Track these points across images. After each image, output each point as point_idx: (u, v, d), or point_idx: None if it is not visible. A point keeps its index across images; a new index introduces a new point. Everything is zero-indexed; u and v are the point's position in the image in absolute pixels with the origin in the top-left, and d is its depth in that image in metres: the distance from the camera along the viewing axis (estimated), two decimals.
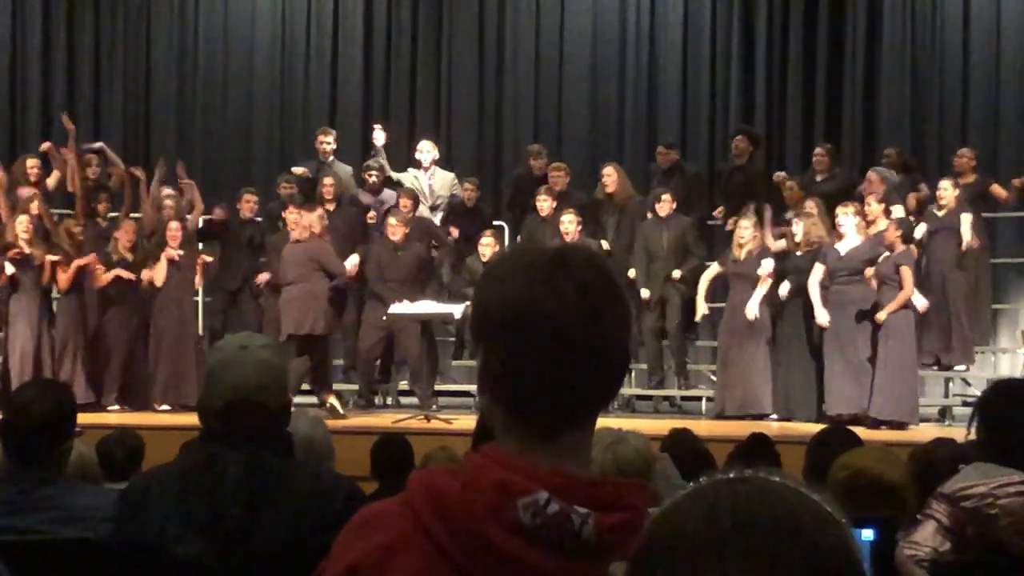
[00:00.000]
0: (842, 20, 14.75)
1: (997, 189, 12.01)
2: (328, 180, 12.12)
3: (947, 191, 11.34)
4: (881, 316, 10.32)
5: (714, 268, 11.45)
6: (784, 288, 10.83)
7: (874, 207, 10.94)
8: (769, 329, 11.00)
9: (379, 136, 12.60)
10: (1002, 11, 14.35)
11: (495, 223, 12.62)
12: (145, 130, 15.54)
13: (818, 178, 12.28)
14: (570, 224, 11.39)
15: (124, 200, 11.84)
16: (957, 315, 11.37)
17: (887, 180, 11.68)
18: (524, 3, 15.31)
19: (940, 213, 11.41)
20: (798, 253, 10.97)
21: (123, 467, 5.58)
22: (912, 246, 10.72)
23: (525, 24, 15.29)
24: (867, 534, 2.17)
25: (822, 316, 10.53)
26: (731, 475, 1.22)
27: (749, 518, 1.17)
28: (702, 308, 11.50)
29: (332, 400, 10.76)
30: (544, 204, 11.88)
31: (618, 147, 14.94)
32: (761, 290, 10.92)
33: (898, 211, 11.30)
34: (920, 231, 11.35)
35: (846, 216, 10.74)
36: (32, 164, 12.14)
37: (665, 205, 11.65)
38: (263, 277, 11.87)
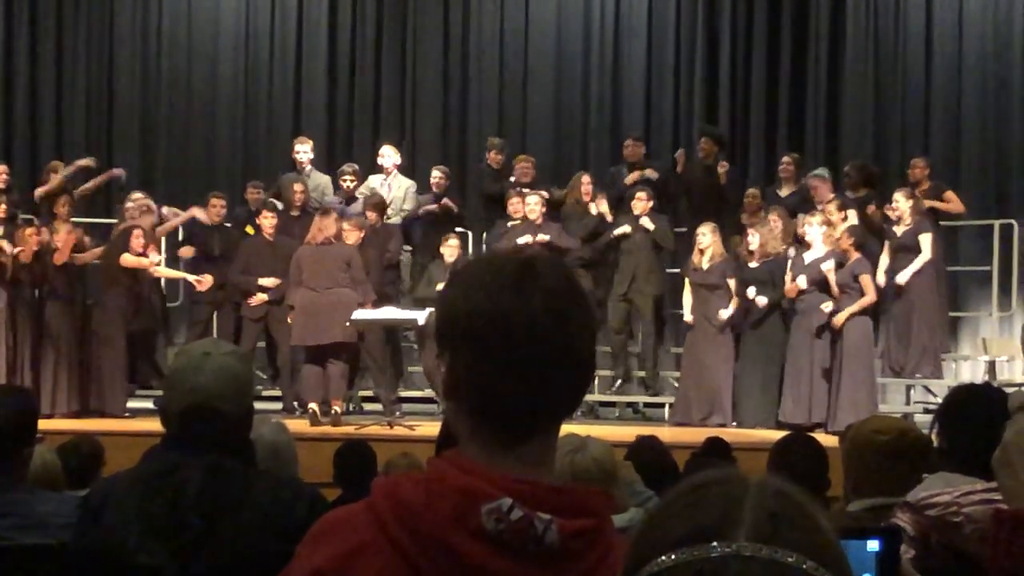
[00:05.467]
0: (805, 30, 14.80)
1: (950, 197, 12.00)
2: (298, 187, 12.09)
3: (900, 203, 11.28)
4: (839, 319, 10.37)
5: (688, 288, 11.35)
6: (762, 300, 10.84)
7: (834, 215, 10.99)
8: (731, 339, 11.07)
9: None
10: (964, 23, 14.45)
11: (458, 229, 12.61)
12: (108, 136, 15.42)
13: (784, 189, 12.31)
14: (536, 205, 11.46)
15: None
16: (919, 330, 11.37)
17: (826, 179, 11.75)
18: (488, 5, 15.32)
19: (899, 230, 11.39)
20: (752, 264, 11.02)
21: (80, 474, 5.53)
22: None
23: (489, 26, 15.29)
24: (872, 545, 2.17)
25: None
26: (733, 548, 1.11)
27: None
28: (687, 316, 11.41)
29: (313, 406, 10.66)
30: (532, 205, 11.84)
31: (582, 148, 14.98)
32: (733, 306, 10.96)
33: (852, 215, 11.36)
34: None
35: (811, 226, 10.79)
36: (1, 169, 12.02)
37: (639, 204, 11.63)
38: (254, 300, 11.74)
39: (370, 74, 15.42)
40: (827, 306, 10.49)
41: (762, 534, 1.12)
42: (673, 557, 1.13)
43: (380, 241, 11.71)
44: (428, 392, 12.11)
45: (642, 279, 11.63)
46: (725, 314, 10.95)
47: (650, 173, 12.50)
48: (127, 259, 11.28)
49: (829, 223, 10.83)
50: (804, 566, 1.11)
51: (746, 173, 13.67)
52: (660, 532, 1.16)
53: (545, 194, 11.94)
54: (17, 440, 3.62)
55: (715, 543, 1.11)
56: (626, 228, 11.54)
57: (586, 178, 12.27)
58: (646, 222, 11.51)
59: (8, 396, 3.76)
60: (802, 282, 10.60)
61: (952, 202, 12.01)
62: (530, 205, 11.54)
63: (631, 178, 12.42)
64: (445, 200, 12.41)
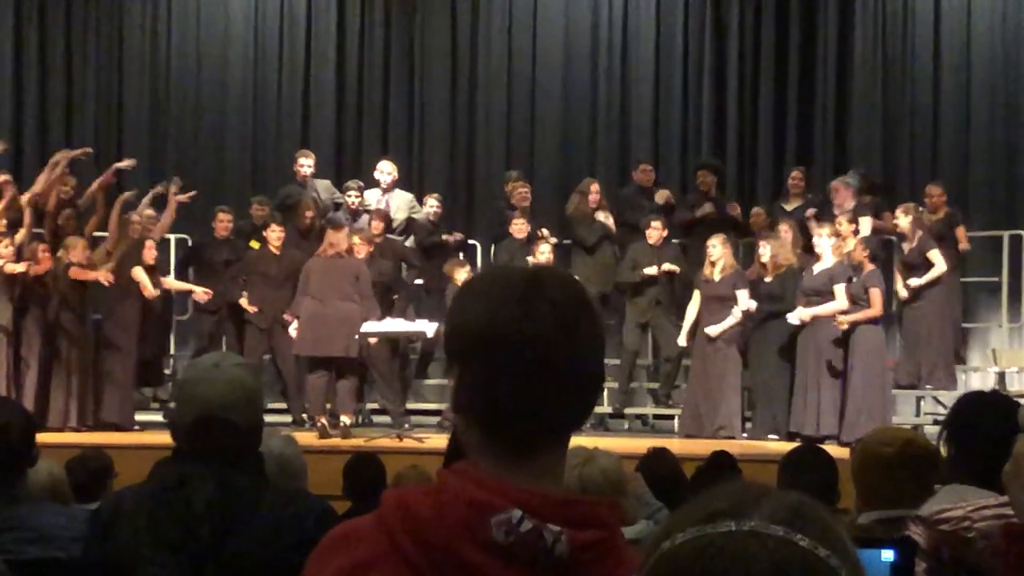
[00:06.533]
0: (813, 46, 14.78)
1: (960, 234, 12.04)
2: (309, 212, 12.09)
3: (900, 220, 11.28)
4: (843, 320, 10.35)
5: (696, 298, 11.40)
6: (752, 304, 10.85)
7: (844, 226, 10.98)
8: (739, 350, 11.06)
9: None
10: (972, 37, 14.45)
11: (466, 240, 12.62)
12: (117, 150, 15.42)
13: (791, 203, 12.31)
14: (548, 252, 11.52)
15: (97, 214, 11.72)
16: (932, 341, 11.38)
17: (851, 186, 11.74)
18: (496, 23, 15.32)
19: (905, 248, 11.39)
20: (767, 279, 11.02)
21: (88, 487, 5.53)
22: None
23: (497, 43, 15.29)
24: (887, 555, 2.17)
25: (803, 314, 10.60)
26: (748, 527, 1.13)
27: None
28: (683, 337, 11.46)
29: (323, 420, 10.63)
30: (520, 226, 11.96)
31: (589, 167, 14.97)
32: (732, 319, 10.95)
33: (866, 225, 11.35)
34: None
35: (821, 237, 10.79)
36: (3, 179, 12.00)
37: (655, 232, 11.66)
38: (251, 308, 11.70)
39: (378, 89, 15.42)
40: (841, 318, 10.48)
41: (777, 520, 1.13)
42: (685, 533, 1.14)
43: (392, 252, 11.76)
44: (437, 405, 12.11)
45: (666, 305, 11.66)
46: (715, 331, 10.94)
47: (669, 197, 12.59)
48: (137, 273, 11.32)
49: (838, 234, 10.82)
50: (817, 551, 1.11)
51: (754, 188, 13.64)
52: (676, 521, 1.17)
53: (554, 240, 11.97)
54: (17, 454, 3.61)
55: (730, 521, 1.13)
56: (653, 270, 11.54)
57: (595, 186, 12.28)
58: (668, 265, 11.56)
59: (4, 410, 3.74)
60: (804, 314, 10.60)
61: (961, 240, 11.99)
62: (544, 254, 11.51)
63: (660, 195, 12.53)
64: (453, 238, 12.52)
